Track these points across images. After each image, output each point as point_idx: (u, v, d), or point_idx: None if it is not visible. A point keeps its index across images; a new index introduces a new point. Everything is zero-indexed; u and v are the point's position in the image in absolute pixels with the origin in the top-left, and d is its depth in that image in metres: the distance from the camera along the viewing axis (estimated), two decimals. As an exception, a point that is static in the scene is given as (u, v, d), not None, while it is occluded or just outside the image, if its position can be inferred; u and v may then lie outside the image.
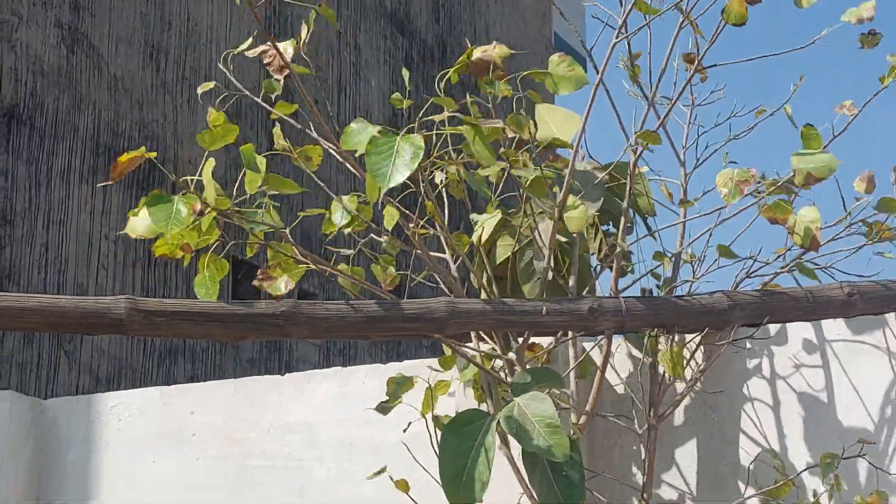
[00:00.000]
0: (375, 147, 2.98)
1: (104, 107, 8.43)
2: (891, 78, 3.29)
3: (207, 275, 3.22)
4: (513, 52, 3.35)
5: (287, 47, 3.34)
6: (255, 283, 3.21)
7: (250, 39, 3.40)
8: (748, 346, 3.42)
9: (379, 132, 3.01)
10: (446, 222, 3.38)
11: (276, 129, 3.45)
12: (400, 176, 2.93)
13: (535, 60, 13.69)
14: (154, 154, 3.04)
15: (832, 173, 3.21)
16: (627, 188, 3.37)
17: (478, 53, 3.32)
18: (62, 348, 7.73)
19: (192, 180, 3.08)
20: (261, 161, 3.13)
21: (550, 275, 3.35)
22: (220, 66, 3.49)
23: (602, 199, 3.41)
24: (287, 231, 3.25)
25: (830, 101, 3.37)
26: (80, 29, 8.35)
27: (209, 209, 3.05)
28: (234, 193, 3.15)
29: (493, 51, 3.32)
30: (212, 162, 3.10)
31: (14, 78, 7.83)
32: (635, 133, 3.32)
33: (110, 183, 3.06)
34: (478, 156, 3.20)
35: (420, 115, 3.15)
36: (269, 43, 3.32)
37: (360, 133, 3.05)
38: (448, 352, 3.54)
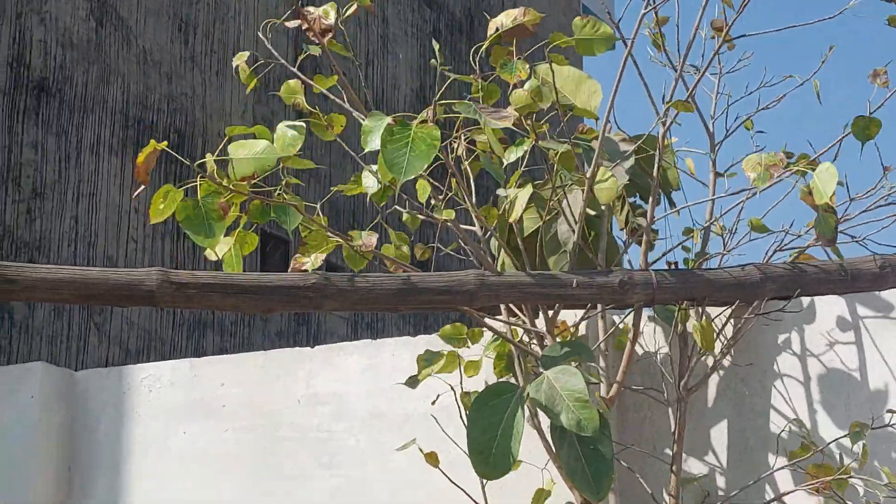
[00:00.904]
0: (390, 137, 2.96)
1: (133, 79, 8.44)
2: None
3: (233, 252, 3.23)
4: (543, 15, 3.32)
5: (329, 10, 3.34)
6: (292, 266, 3.22)
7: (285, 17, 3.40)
8: (779, 318, 3.41)
9: (394, 120, 2.98)
10: (473, 193, 3.37)
11: (299, 97, 3.44)
12: (414, 169, 2.91)
13: (564, 31, 13.65)
14: (164, 145, 3.04)
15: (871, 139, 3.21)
16: (656, 160, 3.36)
17: (507, 20, 3.30)
18: (92, 320, 7.77)
19: (211, 160, 3.07)
20: (292, 138, 3.12)
21: (578, 248, 3.34)
22: (260, 35, 3.50)
23: (631, 170, 3.40)
24: (318, 206, 3.25)
25: (860, 69, 3.35)
26: (109, 2, 8.35)
27: (231, 194, 3.05)
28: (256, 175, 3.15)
29: (524, 17, 3.29)
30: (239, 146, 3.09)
31: (43, 51, 7.85)
32: (665, 103, 3.30)
33: (143, 188, 3.07)
34: (495, 147, 3.20)
35: (440, 92, 3.14)
36: (308, 9, 3.32)
37: (376, 130, 3.01)
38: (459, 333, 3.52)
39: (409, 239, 3.54)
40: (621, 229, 3.53)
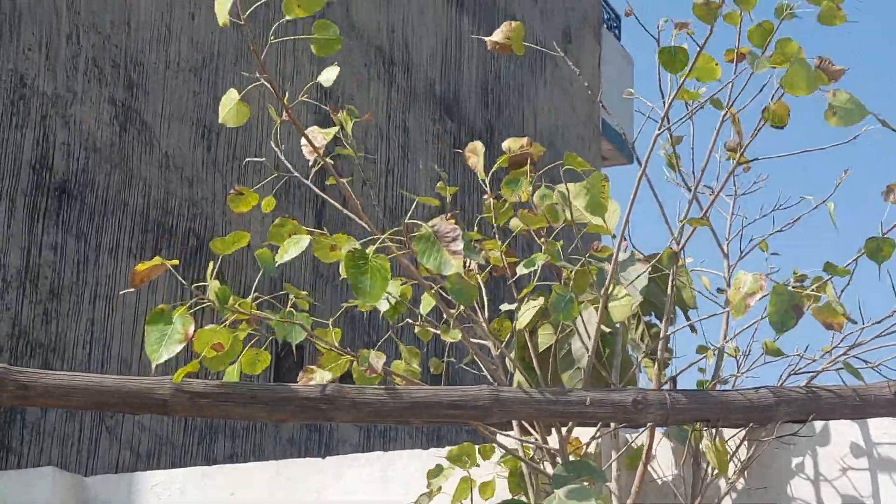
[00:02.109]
0: (351, 262, 3.03)
1: (154, 184, 8.51)
2: None
3: (234, 370, 3.23)
4: (544, 150, 3.38)
5: (325, 135, 3.40)
6: (300, 379, 3.24)
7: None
8: (793, 443, 3.39)
9: (353, 249, 3.05)
10: (486, 305, 3.39)
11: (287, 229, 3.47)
12: (373, 298, 2.99)
13: (583, 146, 13.75)
14: (176, 262, 3.08)
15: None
16: (670, 280, 3.37)
17: (514, 146, 3.36)
18: (104, 424, 7.75)
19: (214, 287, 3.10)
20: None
21: (592, 365, 3.34)
22: (272, 145, 3.54)
23: (646, 290, 3.41)
24: (330, 323, 3.27)
25: (874, 192, 3.38)
26: (133, 106, 8.46)
27: (235, 315, 3.09)
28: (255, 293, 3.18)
29: (530, 148, 3.36)
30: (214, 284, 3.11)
31: (66, 153, 7.93)
32: (680, 220, 3.32)
33: (131, 290, 3.10)
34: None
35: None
36: (303, 132, 3.39)
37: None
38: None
39: (419, 354, 3.54)
40: (634, 347, 3.53)
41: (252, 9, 3.14)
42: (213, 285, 3.09)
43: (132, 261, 8.16)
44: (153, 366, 3.01)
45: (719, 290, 3.49)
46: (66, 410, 7.44)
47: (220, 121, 3.32)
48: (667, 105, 3.32)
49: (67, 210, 7.87)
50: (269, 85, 3.22)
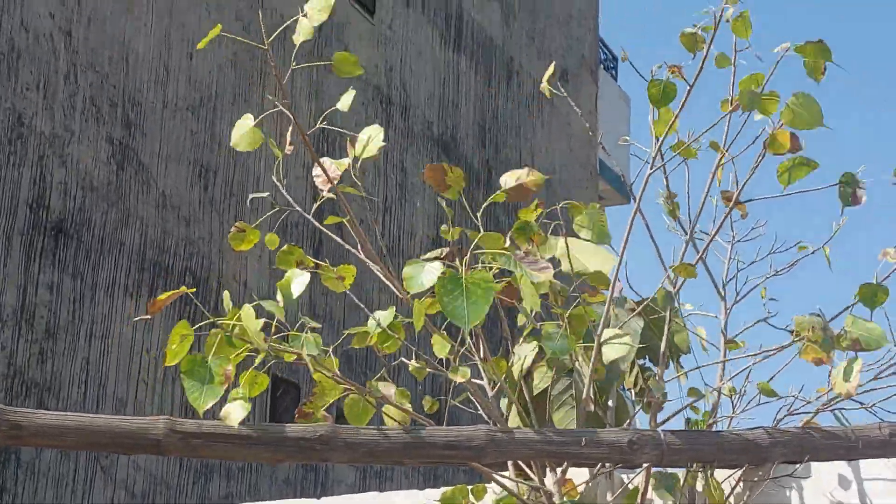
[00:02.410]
0: (444, 288, 3.00)
1: (151, 223, 8.51)
2: None
3: (242, 393, 3.22)
4: (546, 176, 3.37)
5: (344, 162, 3.40)
6: (298, 413, 3.23)
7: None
8: (790, 486, 3.38)
9: (443, 273, 3.02)
10: (483, 347, 3.39)
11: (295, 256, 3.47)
12: (477, 316, 2.96)
13: (580, 186, 13.77)
14: (193, 290, 3.08)
15: (880, 347, 3.24)
16: (666, 325, 3.38)
17: (511, 180, 3.36)
18: (99, 463, 7.73)
19: (231, 318, 3.11)
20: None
21: (590, 406, 3.33)
22: (274, 180, 3.55)
23: (640, 334, 3.42)
24: (330, 350, 3.26)
25: (872, 236, 3.39)
26: (131, 145, 8.47)
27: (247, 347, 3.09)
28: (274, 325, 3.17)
29: (528, 178, 3.35)
30: (249, 312, 3.12)
31: (63, 192, 7.94)
32: (671, 267, 3.33)
33: (148, 317, 3.11)
34: (527, 300, 3.21)
35: (472, 248, 3.17)
36: (324, 159, 3.38)
37: (421, 275, 3.05)
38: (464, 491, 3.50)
39: (409, 395, 3.53)
40: (627, 389, 3.53)
41: (275, 35, 3.13)
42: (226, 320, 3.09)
43: (128, 300, 8.16)
44: (200, 413, 3.03)
45: (728, 342, 3.49)
46: (61, 450, 7.42)
47: (231, 143, 3.32)
48: (656, 148, 3.34)
49: (64, 249, 7.87)
50: (287, 112, 3.22)
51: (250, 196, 3.29)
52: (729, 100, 3.37)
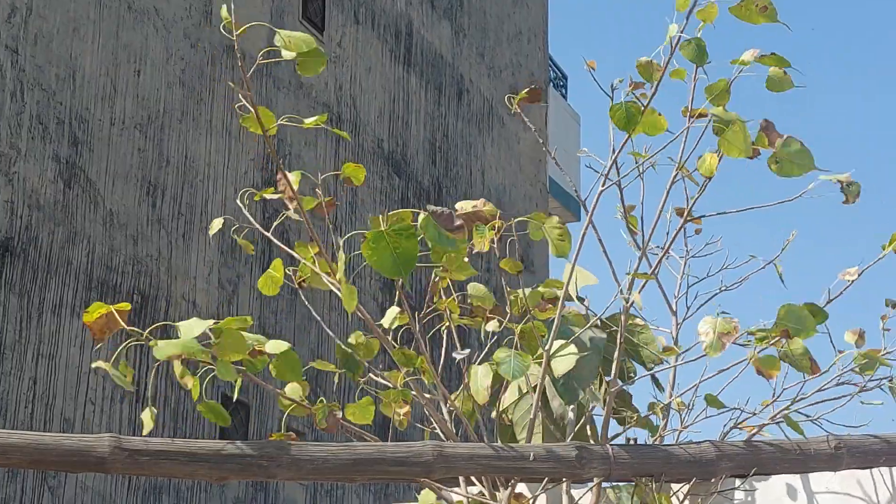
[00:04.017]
0: (370, 249, 3.07)
1: (98, 241, 8.46)
2: (891, 247, 3.35)
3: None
4: (499, 212, 3.41)
5: (294, 179, 3.43)
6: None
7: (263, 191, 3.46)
8: (736, 497, 3.39)
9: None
10: (440, 362, 3.40)
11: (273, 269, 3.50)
12: (407, 263, 3.05)
13: (530, 205, 13.80)
14: (127, 305, 3.07)
15: (808, 336, 3.24)
16: (618, 338, 3.38)
17: (467, 207, 3.39)
18: (46, 484, 7.65)
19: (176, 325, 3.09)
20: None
21: (541, 421, 3.34)
22: (238, 203, 3.58)
23: (601, 349, 3.43)
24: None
25: (823, 250, 3.42)
26: (78, 163, 8.42)
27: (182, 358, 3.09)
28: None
29: (483, 207, 3.39)
30: (199, 324, 3.11)
31: (10, 211, 7.88)
32: (627, 273, 3.34)
33: (98, 346, 3.10)
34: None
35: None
36: (279, 178, 3.42)
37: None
38: (432, 497, 3.50)
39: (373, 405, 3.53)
40: (591, 398, 3.53)
41: (242, 29, 3.10)
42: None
43: (76, 319, 8.10)
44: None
45: (665, 349, 3.51)
46: (7, 470, 7.34)
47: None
48: (610, 161, 3.35)
49: (10, 268, 7.80)
50: (249, 104, 3.21)
51: (211, 229, 3.28)
52: (688, 108, 3.35)
